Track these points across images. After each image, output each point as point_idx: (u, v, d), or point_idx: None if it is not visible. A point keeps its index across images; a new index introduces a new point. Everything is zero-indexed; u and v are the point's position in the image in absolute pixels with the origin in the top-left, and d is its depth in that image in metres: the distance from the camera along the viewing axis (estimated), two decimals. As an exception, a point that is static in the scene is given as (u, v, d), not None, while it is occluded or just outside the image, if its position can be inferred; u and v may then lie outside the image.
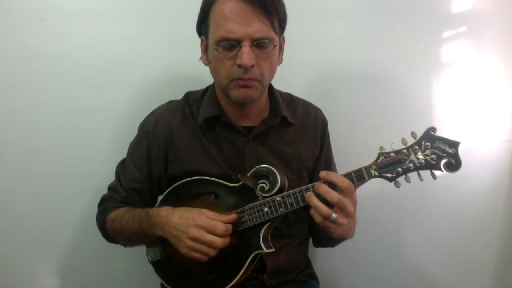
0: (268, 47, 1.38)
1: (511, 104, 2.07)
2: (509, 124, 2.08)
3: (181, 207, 1.45)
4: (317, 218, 1.29)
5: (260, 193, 1.40)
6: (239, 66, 1.35)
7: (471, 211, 2.14)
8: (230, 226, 1.35)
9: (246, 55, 1.33)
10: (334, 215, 1.25)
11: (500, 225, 2.17)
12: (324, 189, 1.26)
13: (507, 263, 2.19)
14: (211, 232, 1.31)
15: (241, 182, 1.45)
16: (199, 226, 1.31)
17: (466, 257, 2.19)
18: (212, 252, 1.33)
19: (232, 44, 1.34)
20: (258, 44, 1.35)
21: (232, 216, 1.38)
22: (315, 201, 1.27)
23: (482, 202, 2.14)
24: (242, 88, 1.41)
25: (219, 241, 1.32)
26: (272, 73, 1.48)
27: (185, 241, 1.33)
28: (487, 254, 2.20)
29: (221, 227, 1.32)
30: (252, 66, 1.36)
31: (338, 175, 1.28)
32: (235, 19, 1.32)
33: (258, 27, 1.33)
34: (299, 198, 1.33)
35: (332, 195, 1.24)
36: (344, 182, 1.25)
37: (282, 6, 1.40)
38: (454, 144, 1.21)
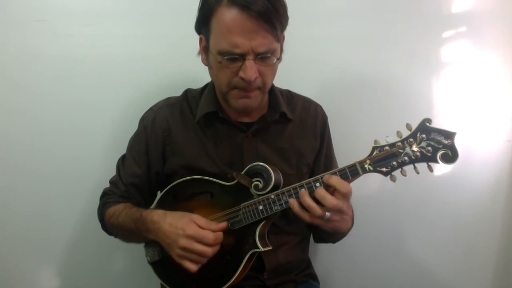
0: (271, 59, 1.37)
1: (511, 104, 2.06)
2: (509, 124, 2.07)
3: (176, 209, 1.46)
4: (306, 217, 1.29)
5: (254, 191, 1.40)
6: (242, 78, 1.35)
7: (471, 211, 2.13)
8: (220, 234, 1.34)
9: (250, 69, 1.33)
10: (327, 214, 1.26)
11: (500, 225, 2.16)
12: (321, 194, 1.26)
13: (507, 263, 2.17)
14: (200, 242, 1.31)
15: (235, 181, 1.44)
16: (188, 236, 1.31)
17: (466, 256, 2.18)
18: (203, 261, 1.33)
19: (235, 58, 1.33)
20: (262, 57, 1.35)
21: (222, 225, 1.37)
22: (308, 201, 1.28)
23: (482, 202, 2.13)
24: (242, 99, 1.42)
25: (208, 251, 1.31)
26: (273, 79, 1.49)
27: (176, 250, 1.33)
28: (487, 254, 2.19)
29: (210, 236, 1.31)
30: (255, 78, 1.36)
31: (338, 180, 1.27)
32: (239, 32, 1.30)
33: (261, 41, 1.31)
34: (294, 195, 1.32)
35: (328, 201, 1.25)
36: (345, 188, 1.26)
37: (285, 11, 1.38)
38: (450, 135, 1.18)
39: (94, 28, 1.86)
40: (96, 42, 1.87)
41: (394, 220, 2.12)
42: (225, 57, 1.34)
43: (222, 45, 1.33)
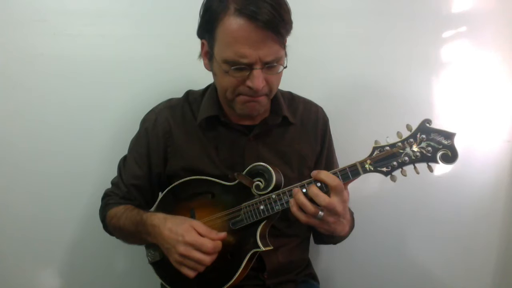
0: (277, 67, 1.37)
1: (511, 104, 2.07)
2: (509, 124, 2.08)
3: (177, 209, 1.48)
4: (302, 217, 1.29)
5: (255, 191, 1.40)
6: (249, 87, 1.35)
7: (471, 211, 2.14)
8: (219, 243, 1.34)
9: (257, 78, 1.33)
10: (321, 213, 1.26)
11: (500, 225, 2.16)
12: (314, 191, 1.26)
13: (507, 263, 2.18)
14: (199, 249, 1.31)
15: (237, 181, 1.44)
16: (187, 243, 1.31)
17: (466, 256, 2.19)
18: (200, 268, 1.33)
19: (242, 67, 1.33)
20: (269, 66, 1.34)
21: (222, 235, 1.37)
22: (301, 199, 1.28)
23: (482, 202, 2.13)
24: (250, 103, 1.41)
25: (206, 259, 1.31)
26: (278, 85, 1.48)
27: (174, 255, 1.34)
28: (487, 254, 2.20)
29: (209, 245, 1.31)
30: (263, 87, 1.36)
31: (328, 174, 1.28)
32: (246, 43, 1.29)
33: (268, 51, 1.31)
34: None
35: (321, 199, 1.25)
36: (334, 181, 1.25)
37: (290, 18, 1.36)
38: (450, 136, 1.19)
39: (94, 28, 1.86)
40: (96, 42, 1.87)
41: (394, 220, 2.12)
42: (232, 67, 1.33)
43: (229, 54, 1.32)
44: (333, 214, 1.27)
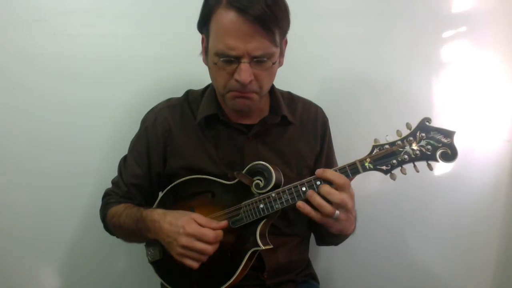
0: (267, 63, 1.37)
1: (511, 104, 2.07)
2: (509, 124, 2.08)
3: (177, 208, 1.46)
4: (317, 217, 1.29)
5: (255, 190, 1.39)
6: (237, 80, 1.36)
7: (471, 211, 2.14)
8: (220, 232, 1.35)
9: (244, 72, 1.33)
10: (337, 213, 1.26)
11: (500, 225, 2.16)
12: (326, 189, 1.26)
13: (507, 263, 2.18)
14: (200, 240, 1.31)
15: (236, 180, 1.44)
16: (188, 235, 1.31)
17: (466, 256, 2.18)
18: (203, 258, 1.34)
19: (231, 60, 1.34)
20: (257, 60, 1.35)
21: (223, 223, 1.37)
22: (318, 200, 1.27)
23: (482, 202, 2.13)
24: (239, 99, 1.42)
25: (209, 249, 1.32)
26: (270, 83, 1.49)
27: (176, 248, 1.33)
28: (487, 254, 2.20)
29: (210, 234, 1.32)
30: (250, 82, 1.36)
31: (333, 172, 1.28)
32: (234, 35, 1.30)
33: (257, 45, 1.31)
34: (295, 194, 1.32)
35: (334, 196, 1.25)
36: (341, 179, 1.26)
37: (285, 16, 1.37)
38: (450, 134, 1.20)
39: (94, 28, 1.86)
40: (96, 42, 1.87)
41: (394, 220, 2.12)
42: (221, 59, 1.34)
43: (219, 46, 1.33)
44: (345, 210, 1.28)
